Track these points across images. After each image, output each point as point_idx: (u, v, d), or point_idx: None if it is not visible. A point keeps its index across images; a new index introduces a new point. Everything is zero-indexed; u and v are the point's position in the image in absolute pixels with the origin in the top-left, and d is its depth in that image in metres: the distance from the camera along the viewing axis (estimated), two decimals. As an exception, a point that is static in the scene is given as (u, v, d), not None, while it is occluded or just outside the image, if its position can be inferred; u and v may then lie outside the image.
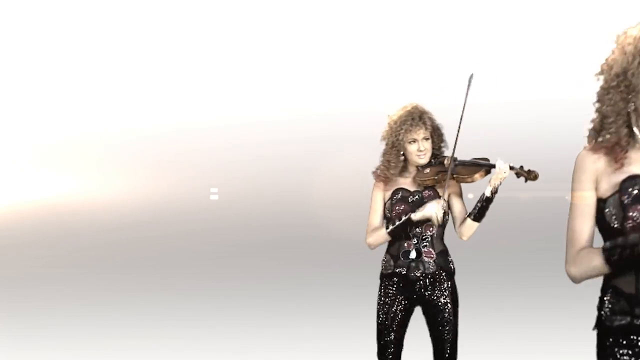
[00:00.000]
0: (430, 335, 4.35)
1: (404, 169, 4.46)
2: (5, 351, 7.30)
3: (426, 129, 4.35)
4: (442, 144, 4.46)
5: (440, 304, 4.29)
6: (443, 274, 4.33)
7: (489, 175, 4.25)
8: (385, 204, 4.40)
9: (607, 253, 2.38)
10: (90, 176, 16.49)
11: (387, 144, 4.43)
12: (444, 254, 4.37)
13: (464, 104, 4.09)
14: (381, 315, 4.33)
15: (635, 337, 2.42)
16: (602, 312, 2.51)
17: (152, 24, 15.24)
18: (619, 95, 2.48)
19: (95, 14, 15.41)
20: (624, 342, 2.43)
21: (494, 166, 4.17)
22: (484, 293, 9.66)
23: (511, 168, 4.14)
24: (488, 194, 4.17)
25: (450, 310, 4.28)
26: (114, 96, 15.89)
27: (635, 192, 2.43)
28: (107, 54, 15.68)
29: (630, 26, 2.50)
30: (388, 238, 4.33)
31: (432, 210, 4.19)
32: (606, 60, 2.51)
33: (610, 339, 2.46)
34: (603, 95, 2.53)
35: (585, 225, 2.54)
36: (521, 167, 4.12)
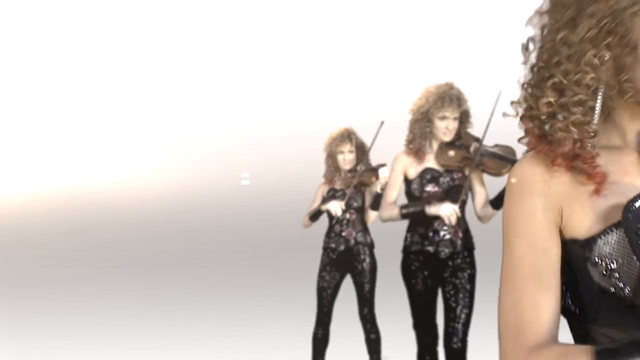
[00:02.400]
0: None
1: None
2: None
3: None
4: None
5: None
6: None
7: None
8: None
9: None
10: (115, 163, 16.14)
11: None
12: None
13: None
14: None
15: None
16: None
17: (190, 23, 15.25)
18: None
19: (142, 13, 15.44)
20: None
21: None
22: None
23: None
24: None
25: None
26: (136, 80, 15.74)
27: None
28: (142, 44, 15.64)
29: None
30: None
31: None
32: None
33: None
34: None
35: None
36: None
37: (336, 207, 5.45)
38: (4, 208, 15.60)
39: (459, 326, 4.56)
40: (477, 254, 4.68)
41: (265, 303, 8.99)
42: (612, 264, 1.30)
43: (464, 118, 4.63)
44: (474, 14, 13.49)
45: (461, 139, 4.62)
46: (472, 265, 4.62)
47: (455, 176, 4.60)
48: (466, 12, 13.31)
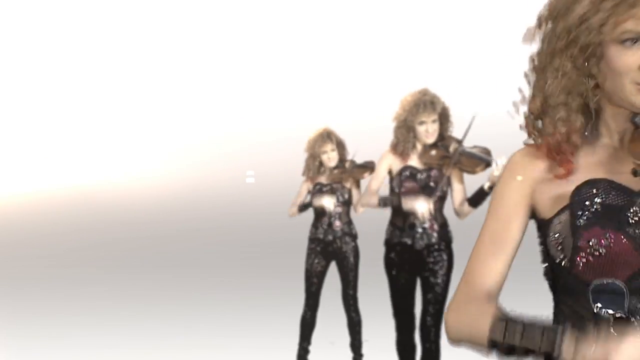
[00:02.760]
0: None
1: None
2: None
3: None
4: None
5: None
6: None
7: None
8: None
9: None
10: (117, 162, 16.09)
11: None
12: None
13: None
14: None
15: None
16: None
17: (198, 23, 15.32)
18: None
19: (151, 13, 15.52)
20: None
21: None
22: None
23: None
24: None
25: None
26: (139, 80, 15.82)
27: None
28: (145, 44, 15.70)
29: None
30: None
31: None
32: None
33: None
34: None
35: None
36: None
37: (329, 203, 5.91)
38: (4, 207, 15.54)
39: (433, 316, 4.90)
40: (458, 247, 4.91)
41: (269, 303, 8.99)
42: (560, 239, 1.59)
43: (443, 119, 4.94)
44: (465, 18, 13.65)
45: (444, 140, 4.93)
46: (449, 257, 4.97)
47: (432, 174, 5.00)
48: (457, 16, 13.48)
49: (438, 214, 4.94)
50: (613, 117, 1.64)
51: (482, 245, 1.69)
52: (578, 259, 1.54)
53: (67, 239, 14.05)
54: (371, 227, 5.97)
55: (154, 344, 7.26)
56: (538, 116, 1.68)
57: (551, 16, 1.63)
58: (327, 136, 5.99)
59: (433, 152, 4.88)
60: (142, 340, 7.42)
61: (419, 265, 4.96)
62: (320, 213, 5.97)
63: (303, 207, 6.12)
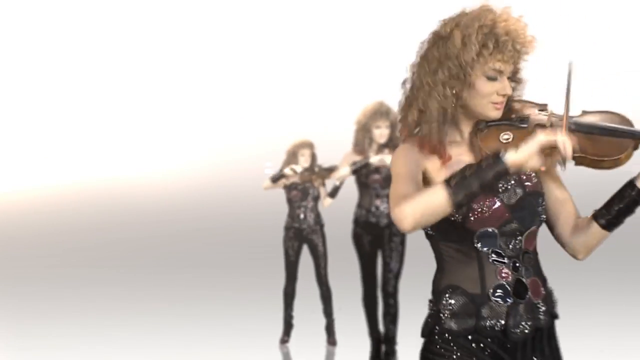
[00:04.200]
0: None
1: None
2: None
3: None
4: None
5: None
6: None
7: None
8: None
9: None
10: (122, 160, 15.72)
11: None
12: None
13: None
14: None
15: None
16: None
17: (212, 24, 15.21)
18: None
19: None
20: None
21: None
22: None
23: None
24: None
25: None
26: (145, 78, 15.49)
27: None
28: (163, 40, 15.47)
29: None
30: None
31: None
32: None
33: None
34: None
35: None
36: None
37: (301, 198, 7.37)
38: (6, 205, 15.37)
39: (392, 275, 6.33)
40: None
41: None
42: None
43: (394, 126, 5.93)
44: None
45: (393, 141, 6.09)
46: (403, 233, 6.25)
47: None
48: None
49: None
50: (466, 125, 2.35)
51: (402, 179, 2.21)
52: (470, 215, 2.23)
53: (68, 238, 14.09)
54: (335, 218, 7.37)
55: (157, 345, 7.40)
56: (415, 125, 2.31)
57: (434, 56, 2.25)
58: (307, 146, 7.26)
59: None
60: (144, 341, 7.60)
61: (381, 239, 6.31)
62: (294, 206, 7.30)
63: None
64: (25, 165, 15.90)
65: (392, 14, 14.14)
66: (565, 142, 2.10)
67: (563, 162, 2.15)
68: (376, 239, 6.36)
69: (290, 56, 14.88)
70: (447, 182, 2.12)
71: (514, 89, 2.33)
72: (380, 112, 6.10)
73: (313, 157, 7.24)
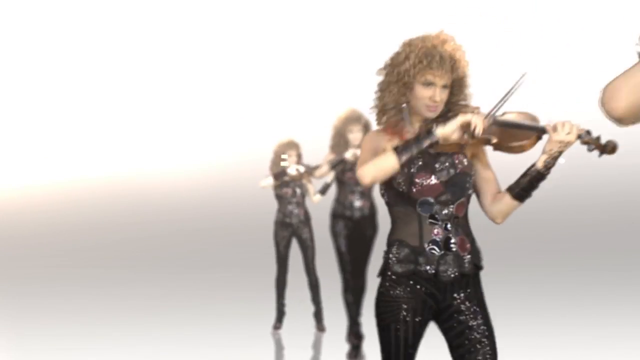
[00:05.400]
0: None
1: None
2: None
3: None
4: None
5: None
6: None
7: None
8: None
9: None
10: (128, 158, 15.77)
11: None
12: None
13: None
14: None
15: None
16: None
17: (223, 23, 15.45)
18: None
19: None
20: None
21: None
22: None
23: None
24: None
25: None
26: (158, 61, 15.68)
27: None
28: (170, 39, 15.71)
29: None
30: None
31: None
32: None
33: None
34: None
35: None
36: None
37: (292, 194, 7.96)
38: (10, 202, 15.27)
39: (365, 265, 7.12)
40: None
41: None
42: (401, 179, 3.01)
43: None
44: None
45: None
46: (373, 225, 7.04)
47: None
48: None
49: (369, 193, 6.94)
50: (415, 119, 3.11)
51: (368, 154, 3.02)
52: (413, 188, 3.02)
53: (70, 238, 14.10)
54: (321, 212, 7.99)
55: (161, 345, 7.43)
56: (381, 112, 3.10)
57: (393, 63, 3.07)
58: (293, 146, 7.79)
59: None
60: (147, 340, 7.65)
61: (356, 231, 6.94)
62: (285, 202, 7.90)
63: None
64: (25, 166, 15.86)
65: (375, 27, 14.50)
66: (477, 121, 2.92)
67: (472, 136, 2.92)
68: (352, 232, 6.97)
69: (292, 61, 15.15)
70: (395, 149, 2.92)
71: (454, 95, 3.09)
72: (352, 118, 6.76)
73: (299, 157, 7.79)
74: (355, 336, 6.90)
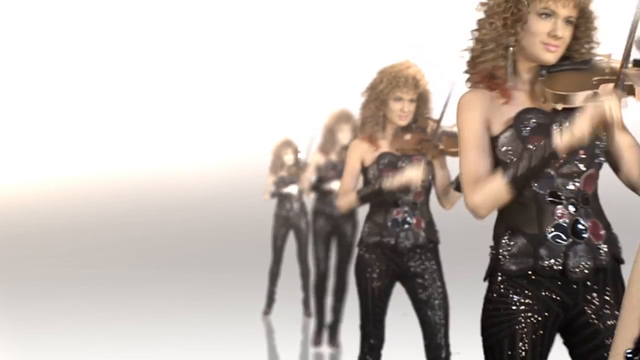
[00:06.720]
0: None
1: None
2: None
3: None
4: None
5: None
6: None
7: None
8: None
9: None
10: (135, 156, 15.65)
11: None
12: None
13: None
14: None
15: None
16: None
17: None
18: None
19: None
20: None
21: None
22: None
23: None
24: None
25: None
26: (165, 59, 15.58)
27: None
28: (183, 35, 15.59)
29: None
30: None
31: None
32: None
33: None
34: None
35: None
36: None
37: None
38: (9, 205, 15.12)
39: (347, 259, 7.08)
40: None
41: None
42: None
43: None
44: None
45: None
46: (353, 222, 7.01)
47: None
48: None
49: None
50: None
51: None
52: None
53: (73, 238, 14.05)
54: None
55: (163, 345, 7.35)
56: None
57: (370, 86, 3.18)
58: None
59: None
60: (148, 340, 7.59)
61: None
62: (284, 198, 8.29)
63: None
64: (25, 166, 15.75)
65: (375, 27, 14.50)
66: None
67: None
68: (333, 229, 7.14)
69: (292, 61, 15.16)
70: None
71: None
72: (343, 117, 6.85)
73: (296, 154, 8.14)
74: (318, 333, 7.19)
